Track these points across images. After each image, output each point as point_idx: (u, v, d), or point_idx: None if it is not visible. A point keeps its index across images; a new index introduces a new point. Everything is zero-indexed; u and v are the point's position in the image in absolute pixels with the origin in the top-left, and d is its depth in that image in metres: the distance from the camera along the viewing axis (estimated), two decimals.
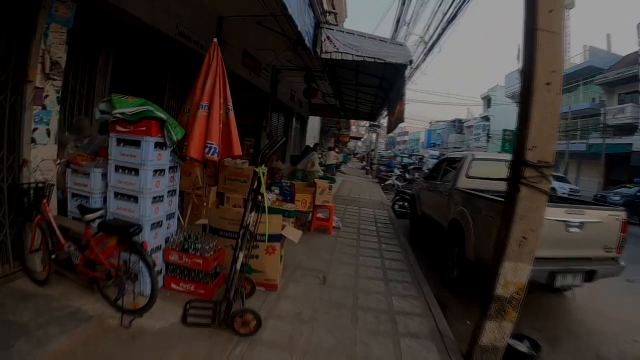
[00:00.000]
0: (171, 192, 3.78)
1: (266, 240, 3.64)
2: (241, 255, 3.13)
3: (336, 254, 5.28)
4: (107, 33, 4.76)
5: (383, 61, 6.07)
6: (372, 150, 26.67)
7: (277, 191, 7.35)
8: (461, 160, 5.84)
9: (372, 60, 6.11)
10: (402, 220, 9.42)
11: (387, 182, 16.13)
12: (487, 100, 46.16)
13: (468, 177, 5.61)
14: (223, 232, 3.97)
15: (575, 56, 31.41)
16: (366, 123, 31.30)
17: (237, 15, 6.43)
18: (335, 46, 6.20)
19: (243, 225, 3.16)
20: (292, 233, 3.89)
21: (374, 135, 26.67)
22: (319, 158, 15.74)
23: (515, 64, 39.47)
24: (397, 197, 10.33)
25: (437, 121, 65.98)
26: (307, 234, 6.13)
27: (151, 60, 5.86)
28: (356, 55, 6.11)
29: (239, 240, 3.13)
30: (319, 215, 6.69)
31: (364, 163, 28.76)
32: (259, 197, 3.29)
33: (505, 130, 38.72)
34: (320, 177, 10.34)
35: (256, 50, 8.38)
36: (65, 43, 3.64)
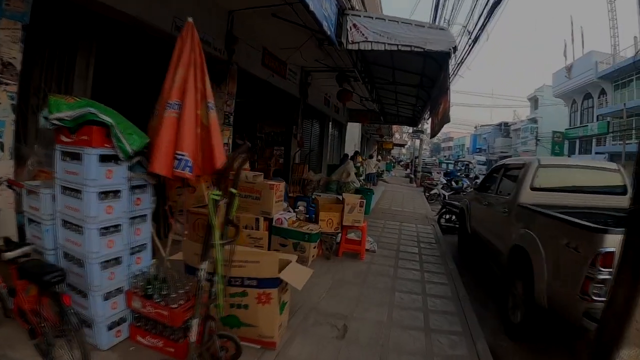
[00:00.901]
0: (138, 219, 2.90)
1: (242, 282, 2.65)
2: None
3: (366, 289, 4.18)
4: (86, 30, 4.07)
5: (421, 49, 4.97)
6: (416, 157, 25.11)
7: (303, 207, 6.40)
8: (523, 168, 4.57)
9: (409, 49, 5.02)
10: (449, 236, 8.13)
11: (433, 192, 14.68)
12: (534, 101, 43.47)
13: (534, 189, 4.34)
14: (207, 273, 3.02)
15: (626, 49, 28.35)
16: (409, 129, 29.79)
17: (247, 7, 5.63)
18: (363, 35, 5.17)
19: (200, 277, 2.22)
20: (295, 275, 2.86)
21: (417, 142, 25.11)
22: (360, 167, 14.68)
23: (562, 62, 36.36)
24: (444, 210, 9.03)
25: (482, 125, 63.06)
26: (333, 261, 5.09)
27: (144, 61, 5.15)
28: (389, 44, 5.05)
29: (198, 293, 2.19)
30: (350, 236, 5.62)
31: (408, 171, 27.18)
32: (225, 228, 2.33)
33: (555, 132, 35.80)
34: (357, 189, 9.30)
35: (280, 49, 7.54)
36: (21, 41, 3.00)
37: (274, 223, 4.84)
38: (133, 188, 2.86)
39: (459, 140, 78.72)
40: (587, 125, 31.06)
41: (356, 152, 15.75)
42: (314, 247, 4.76)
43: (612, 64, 27.38)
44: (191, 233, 5.19)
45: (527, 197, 4.29)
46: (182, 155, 2.70)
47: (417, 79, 7.99)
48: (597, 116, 29.32)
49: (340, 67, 8.70)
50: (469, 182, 18.52)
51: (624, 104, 24.12)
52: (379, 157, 28.90)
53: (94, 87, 4.28)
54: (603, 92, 29.23)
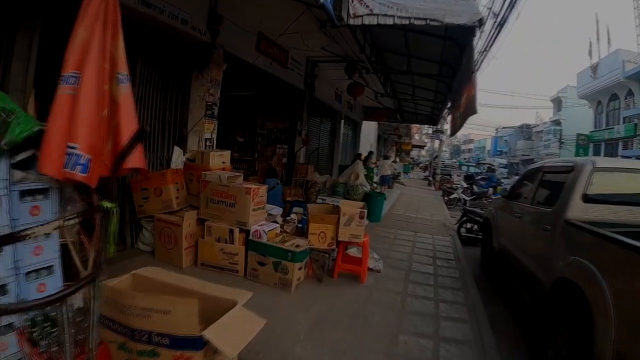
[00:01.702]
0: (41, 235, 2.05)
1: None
2: None
3: (360, 330, 3.20)
4: (31, 5, 3.28)
5: (439, 23, 3.99)
6: (435, 157, 23.85)
7: (297, 215, 5.50)
8: (572, 172, 3.54)
9: (423, 22, 4.04)
10: (470, 249, 7.14)
11: (452, 196, 13.56)
12: (558, 103, 41.61)
13: (588, 199, 3.31)
14: (107, 319, 2.12)
15: None
16: (428, 129, 28.52)
17: None
18: (367, 7, 4.22)
19: None
20: (232, 331, 1.89)
21: (436, 143, 23.82)
22: (373, 168, 13.71)
23: (586, 61, 34.37)
24: (464, 218, 7.97)
25: (503, 127, 61.19)
26: (326, 284, 4.15)
27: None
28: (399, 17, 4.09)
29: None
30: (350, 251, 4.68)
31: (426, 173, 25.90)
32: None
33: (579, 135, 33.91)
34: (367, 194, 8.33)
35: (279, 36, 6.66)
36: None
37: (250, 236, 3.95)
38: (25, 193, 2.02)
39: (479, 143, 76.70)
40: (613, 128, 29.33)
41: (370, 153, 14.75)
42: (300, 268, 3.82)
43: (639, 63, 25.58)
44: (159, 244, 4.36)
45: (578, 210, 3.26)
46: (74, 147, 1.82)
47: (436, 68, 6.97)
48: (624, 118, 27.61)
49: (349, 56, 7.77)
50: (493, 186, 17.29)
51: None
52: (397, 159, 27.77)
53: (38, 71, 3.47)
54: (630, 93, 27.42)
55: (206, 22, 4.92)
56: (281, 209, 6.29)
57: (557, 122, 40.93)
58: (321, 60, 8.55)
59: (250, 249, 3.93)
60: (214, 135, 5.41)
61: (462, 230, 7.99)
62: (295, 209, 5.34)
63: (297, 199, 7.68)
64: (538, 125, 47.90)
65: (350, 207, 4.20)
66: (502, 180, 17.13)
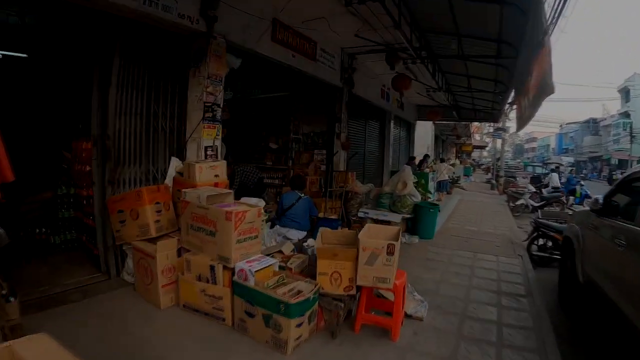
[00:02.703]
0: None
1: None
2: None
3: None
4: None
5: None
6: (497, 158, 21.46)
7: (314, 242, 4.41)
8: None
9: None
10: (544, 271, 5.77)
11: (518, 202, 11.63)
12: (625, 93, 37.19)
13: None
14: None
15: None
16: (490, 128, 25.99)
17: None
18: None
19: None
20: None
21: (499, 142, 21.30)
22: (430, 173, 12.26)
23: None
24: (536, 234, 6.41)
25: (567, 123, 55.60)
26: (341, 342, 3.00)
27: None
28: None
29: None
30: (379, 295, 3.50)
31: (489, 175, 23.39)
32: None
33: None
34: (417, 205, 7.00)
35: (300, 22, 5.67)
36: None
37: (235, 275, 2.94)
38: None
39: (542, 141, 70.58)
40: None
41: (426, 156, 13.26)
42: (300, 325, 2.73)
43: None
44: (138, 278, 3.53)
45: None
46: None
47: (494, 48, 5.58)
48: None
49: (389, 43, 6.57)
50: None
51: None
52: (457, 161, 25.63)
53: None
54: None
55: (198, 7, 4.03)
56: (305, 232, 5.27)
57: (626, 115, 36.70)
58: (358, 51, 7.43)
59: (236, 293, 2.92)
60: (218, 143, 4.49)
61: (534, 247, 6.45)
62: (319, 231, 4.25)
63: (329, 215, 6.61)
64: (605, 119, 43.51)
65: (373, 239, 3.00)
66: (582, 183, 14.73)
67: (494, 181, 19.12)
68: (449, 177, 14.21)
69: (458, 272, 5.19)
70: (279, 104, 9.33)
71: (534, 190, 12.15)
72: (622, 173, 31.55)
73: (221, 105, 4.47)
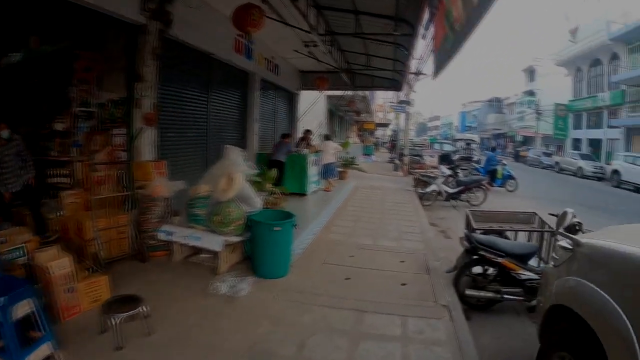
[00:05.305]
0: None
1: None
2: None
3: None
4: None
5: None
6: (394, 131, 19.40)
7: None
8: None
9: None
10: (485, 327, 3.30)
11: (430, 189, 9.29)
12: (530, 73, 39.04)
13: None
14: None
15: None
16: (392, 100, 24.26)
17: None
18: None
19: None
20: None
21: (402, 117, 19.23)
22: (311, 154, 9.34)
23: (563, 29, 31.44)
24: (469, 260, 3.72)
25: (470, 102, 58.79)
26: None
27: None
28: None
29: None
30: None
31: (393, 155, 21.51)
32: None
33: (557, 105, 30.98)
34: (252, 220, 3.80)
35: None
36: None
37: None
38: None
39: (445, 119, 74.01)
40: (596, 96, 26.37)
41: (307, 132, 10.26)
42: None
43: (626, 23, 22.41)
44: None
45: None
46: None
47: None
48: (610, 84, 24.65)
49: None
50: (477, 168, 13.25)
51: None
52: (355, 139, 23.56)
53: None
54: (615, 57, 24.42)
55: None
56: None
57: (530, 93, 38.38)
58: None
59: None
60: None
61: (464, 279, 3.75)
62: None
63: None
64: (509, 98, 45.50)
65: None
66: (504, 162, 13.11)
67: (397, 161, 17.04)
68: (339, 158, 11.47)
69: None
70: (60, 62, 5.45)
71: (448, 173, 9.89)
72: (528, 149, 32.41)
73: None
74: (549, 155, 27.92)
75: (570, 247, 2.31)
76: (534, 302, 2.88)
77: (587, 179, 20.17)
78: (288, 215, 4.01)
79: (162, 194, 4.27)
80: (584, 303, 1.97)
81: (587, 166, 20.92)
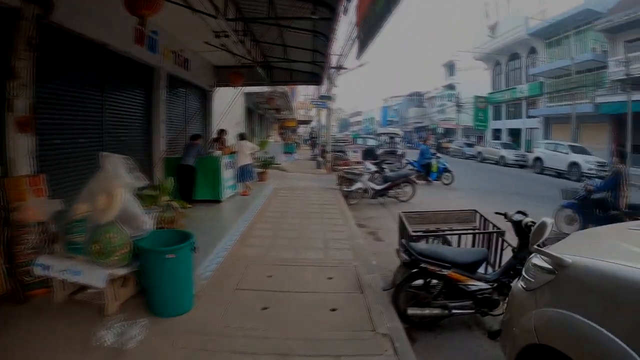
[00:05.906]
0: None
1: None
2: None
3: None
4: None
5: None
6: (313, 129, 19.29)
7: None
8: None
9: None
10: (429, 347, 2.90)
11: (355, 187, 9.22)
12: (449, 67, 41.73)
13: None
14: None
15: None
16: (313, 95, 24.17)
17: None
18: None
19: None
20: None
21: (324, 113, 19.16)
22: (225, 156, 8.75)
23: (482, 25, 33.99)
24: (410, 273, 3.36)
25: (392, 97, 61.67)
26: None
27: None
28: None
29: None
30: None
31: (315, 152, 21.45)
32: None
33: (477, 97, 33.51)
34: (141, 249, 3.18)
35: None
36: None
37: None
38: None
39: (367, 114, 76.52)
40: (515, 88, 28.76)
41: (221, 132, 9.61)
42: None
43: (543, 19, 24.80)
44: None
45: None
46: None
47: None
48: (528, 77, 27.03)
49: None
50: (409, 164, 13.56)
51: (572, 58, 21.02)
52: (275, 137, 23.16)
53: None
54: (533, 51, 26.86)
55: None
56: None
57: (450, 87, 40.62)
58: None
59: None
60: None
61: (404, 296, 3.41)
62: None
63: None
64: (429, 92, 47.72)
65: None
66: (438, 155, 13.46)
67: (320, 158, 16.94)
68: (257, 158, 10.99)
69: None
70: None
71: (373, 168, 9.87)
72: (449, 141, 34.02)
73: None
74: (470, 145, 29.35)
75: (550, 267, 1.93)
76: (495, 328, 2.58)
77: (509, 167, 21.35)
78: (186, 237, 3.41)
79: (36, 217, 3.50)
80: (584, 349, 1.59)
81: (510, 155, 22.16)
